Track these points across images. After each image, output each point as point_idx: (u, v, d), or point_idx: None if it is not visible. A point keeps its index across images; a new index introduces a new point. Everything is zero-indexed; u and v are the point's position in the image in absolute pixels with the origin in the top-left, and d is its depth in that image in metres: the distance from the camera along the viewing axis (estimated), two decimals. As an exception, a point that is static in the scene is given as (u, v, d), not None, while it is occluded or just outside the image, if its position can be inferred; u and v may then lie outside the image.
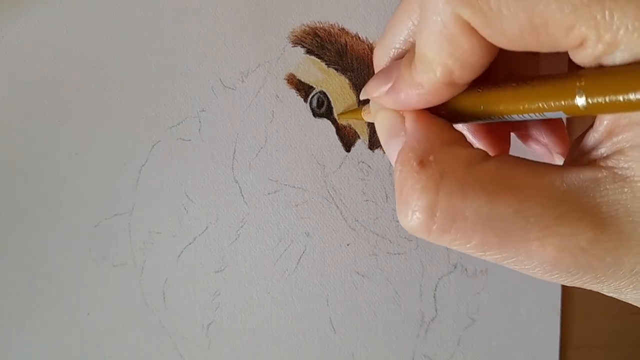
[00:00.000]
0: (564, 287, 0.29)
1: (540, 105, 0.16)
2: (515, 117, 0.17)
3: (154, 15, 0.27)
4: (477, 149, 0.18)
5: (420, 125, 0.19)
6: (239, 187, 0.28)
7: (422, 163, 0.17)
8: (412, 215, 0.17)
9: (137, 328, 0.28)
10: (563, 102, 0.16)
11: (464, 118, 0.19)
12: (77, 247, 0.27)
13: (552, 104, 0.16)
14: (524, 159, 0.18)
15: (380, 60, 0.22)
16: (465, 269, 0.29)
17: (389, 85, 0.19)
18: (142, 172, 0.27)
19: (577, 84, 0.15)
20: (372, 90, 0.20)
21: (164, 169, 0.27)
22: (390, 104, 0.20)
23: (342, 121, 0.28)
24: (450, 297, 0.29)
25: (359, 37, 0.27)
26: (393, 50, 0.21)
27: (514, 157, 0.18)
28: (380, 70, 0.20)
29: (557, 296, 0.29)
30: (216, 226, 0.28)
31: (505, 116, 0.18)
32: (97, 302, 0.28)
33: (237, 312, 0.28)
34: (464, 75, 0.17)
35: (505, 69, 0.21)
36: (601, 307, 0.30)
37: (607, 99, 0.15)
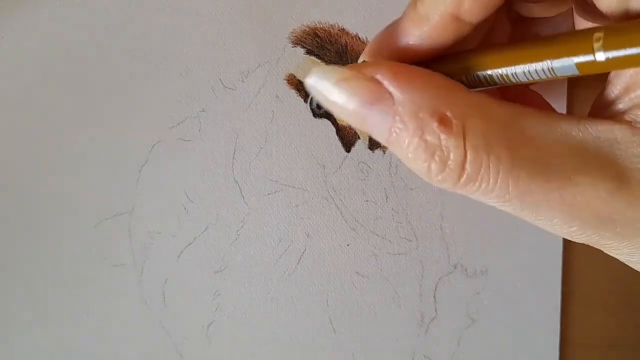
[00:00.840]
0: (564, 287, 0.29)
1: (552, 63, 0.16)
2: (523, 79, 0.17)
3: (154, 15, 0.27)
4: (485, 93, 0.17)
5: (414, 80, 0.17)
6: (239, 187, 0.28)
7: (442, 120, 0.16)
8: (444, 172, 0.17)
9: (137, 328, 0.28)
10: (579, 58, 0.15)
11: (465, 83, 0.18)
12: (77, 247, 0.27)
13: (566, 60, 0.15)
14: (535, 108, 0.18)
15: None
16: (465, 269, 0.29)
17: (387, 32, 0.18)
18: (142, 172, 0.27)
19: (595, 35, 0.14)
20: (370, 49, 0.19)
21: (164, 169, 0.27)
22: (386, 55, 0.18)
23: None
24: (450, 297, 0.29)
25: (359, 38, 0.27)
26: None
27: (526, 107, 0.17)
28: (378, 34, 0.19)
29: (557, 296, 0.29)
30: (216, 226, 0.28)
31: (512, 78, 0.17)
32: (97, 302, 0.28)
33: (237, 312, 0.28)
34: (473, 9, 0.16)
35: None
36: (601, 306, 0.30)
37: (626, 51, 0.14)
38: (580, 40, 0.15)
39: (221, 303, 0.28)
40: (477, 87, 0.18)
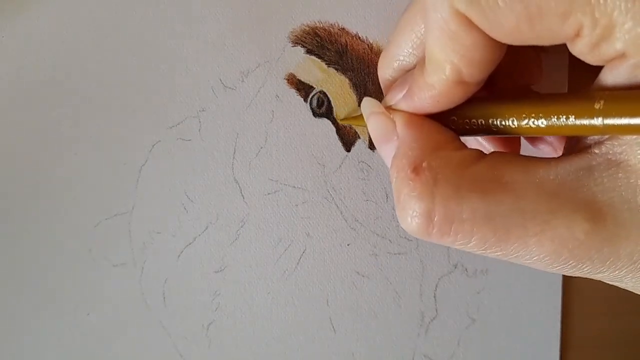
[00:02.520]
0: (564, 287, 0.29)
1: (554, 124, 0.16)
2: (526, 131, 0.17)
3: (154, 15, 0.27)
4: (470, 149, 0.18)
5: (411, 130, 0.19)
6: (239, 187, 0.28)
7: (416, 170, 0.18)
8: (412, 221, 0.17)
9: (137, 328, 0.28)
10: (582, 123, 0.16)
11: (474, 130, 0.19)
12: (77, 247, 0.27)
13: (570, 124, 0.16)
14: (518, 155, 0.18)
15: (384, 72, 0.22)
16: (466, 269, 0.29)
17: (404, 91, 0.20)
18: (142, 172, 0.27)
19: (596, 106, 0.15)
20: (390, 99, 0.20)
21: (164, 169, 0.27)
22: (406, 110, 0.20)
23: (346, 123, 0.28)
24: (450, 297, 0.29)
25: (359, 37, 0.27)
26: (397, 62, 0.21)
27: (507, 154, 0.18)
28: (398, 81, 0.21)
29: (557, 296, 0.29)
30: (216, 226, 0.28)
31: (514, 129, 0.18)
32: (97, 302, 0.28)
33: (237, 312, 0.28)
34: (473, 72, 0.17)
35: (508, 80, 0.21)
36: (602, 307, 0.30)
37: (626, 121, 0.15)
38: (582, 108, 0.16)
39: (221, 303, 0.28)
40: (481, 134, 0.19)
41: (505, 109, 0.18)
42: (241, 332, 0.28)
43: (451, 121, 0.19)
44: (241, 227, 0.28)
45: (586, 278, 0.30)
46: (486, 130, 0.18)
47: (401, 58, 0.21)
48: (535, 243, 0.16)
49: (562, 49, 0.21)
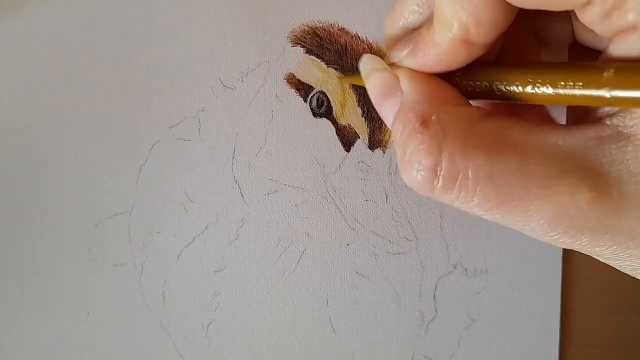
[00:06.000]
0: (564, 287, 0.29)
1: (562, 92, 0.16)
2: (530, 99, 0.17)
3: (154, 15, 0.27)
4: (478, 107, 0.18)
5: (418, 84, 0.19)
6: (239, 187, 0.28)
7: (425, 123, 0.17)
8: (417, 175, 0.17)
9: (137, 328, 0.28)
10: (589, 93, 0.15)
11: (477, 93, 0.19)
12: (77, 247, 0.27)
13: (577, 93, 0.16)
14: (528, 121, 0.18)
15: (389, 30, 0.22)
16: (466, 269, 0.29)
17: (408, 49, 0.19)
18: (142, 172, 0.27)
19: (605, 75, 0.15)
20: (394, 56, 0.20)
21: (164, 169, 0.27)
22: (411, 67, 0.20)
23: (345, 82, 0.27)
24: (450, 297, 0.29)
25: (359, 37, 0.27)
26: (402, 20, 0.20)
27: (516, 117, 0.18)
28: (403, 39, 0.21)
29: (557, 296, 0.29)
30: (216, 226, 0.28)
31: (518, 95, 0.17)
32: (97, 302, 0.28)
33: (237, 312, 0.28)
34: (480, 33, 0.17)
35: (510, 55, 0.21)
36: (602, 306, 0.30)
37: (634, 94, 0.14)
38: (591, 77, 0.15)
39: (221, 303, 0.28)
40: (485, 96, 0.19)
41: (512, 73, 0.17)
42: (241, 332, 0.28)
43: (455, 82, 0.19)
44: (241, 227, 0.28)
45: (586, 278, 0.30)
46: (489, 95, 0.18)
47: (406, 16, 0.20)
48: (537, 208, 0.16)
49: (562, 43, 0.21)
